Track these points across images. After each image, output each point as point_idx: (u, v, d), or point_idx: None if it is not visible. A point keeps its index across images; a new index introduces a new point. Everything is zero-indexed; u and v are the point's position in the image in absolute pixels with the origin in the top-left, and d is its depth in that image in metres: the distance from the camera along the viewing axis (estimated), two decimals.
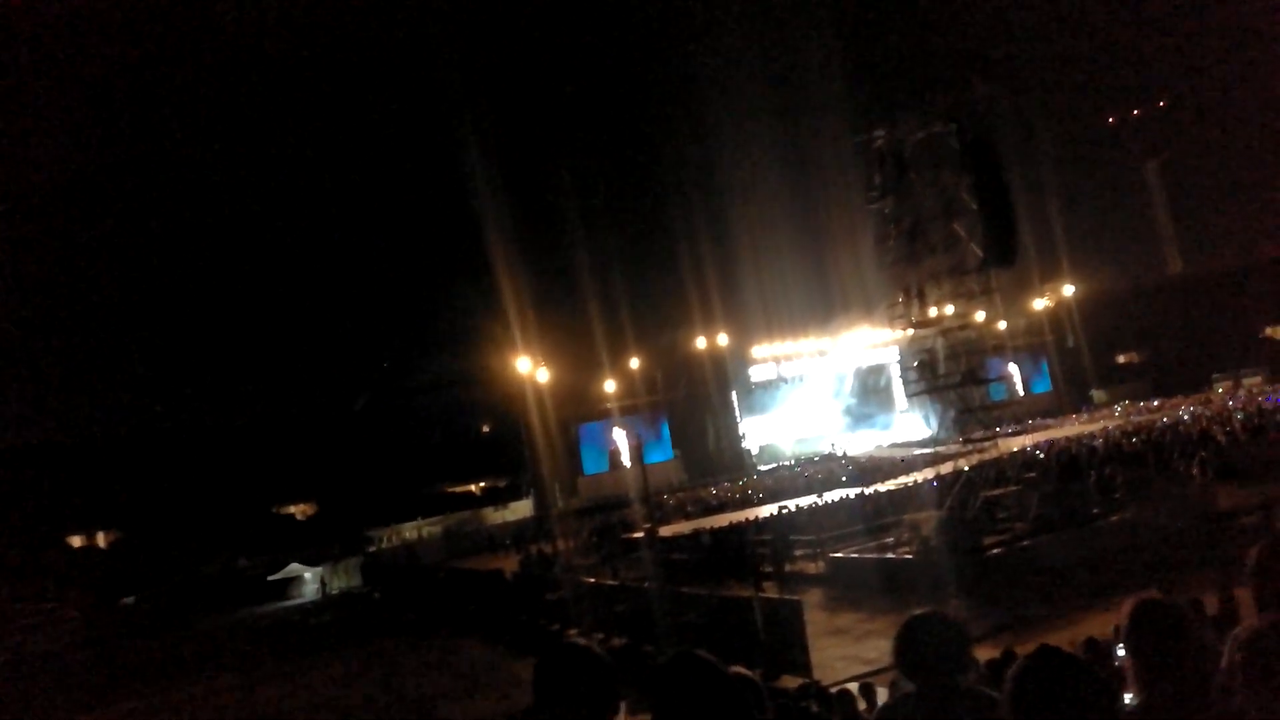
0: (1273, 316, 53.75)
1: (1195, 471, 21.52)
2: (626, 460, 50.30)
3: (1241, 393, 44.05)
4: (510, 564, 30.97)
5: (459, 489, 56.12)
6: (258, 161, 69.98)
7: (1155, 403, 47.09)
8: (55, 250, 62.33)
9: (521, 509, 51.10)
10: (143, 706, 22.32)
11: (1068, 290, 60.35)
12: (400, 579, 36.40)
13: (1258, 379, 49.07)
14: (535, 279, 60.19)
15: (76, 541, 51.03)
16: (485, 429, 62.36)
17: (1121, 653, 2.99)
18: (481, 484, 56.64)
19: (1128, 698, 2.79)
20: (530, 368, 48.45)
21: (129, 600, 42.69)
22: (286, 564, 43.74)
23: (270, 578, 43.20)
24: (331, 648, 25.95)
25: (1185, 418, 33.38)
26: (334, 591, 41.44)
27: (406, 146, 71.45)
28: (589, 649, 2.59)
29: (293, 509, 54.15)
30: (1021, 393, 58.56)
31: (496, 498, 54.14)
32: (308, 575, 43.09)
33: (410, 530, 49.58)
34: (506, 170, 67.88)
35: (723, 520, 28.88)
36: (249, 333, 65.34)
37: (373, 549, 47.00)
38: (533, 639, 19.34)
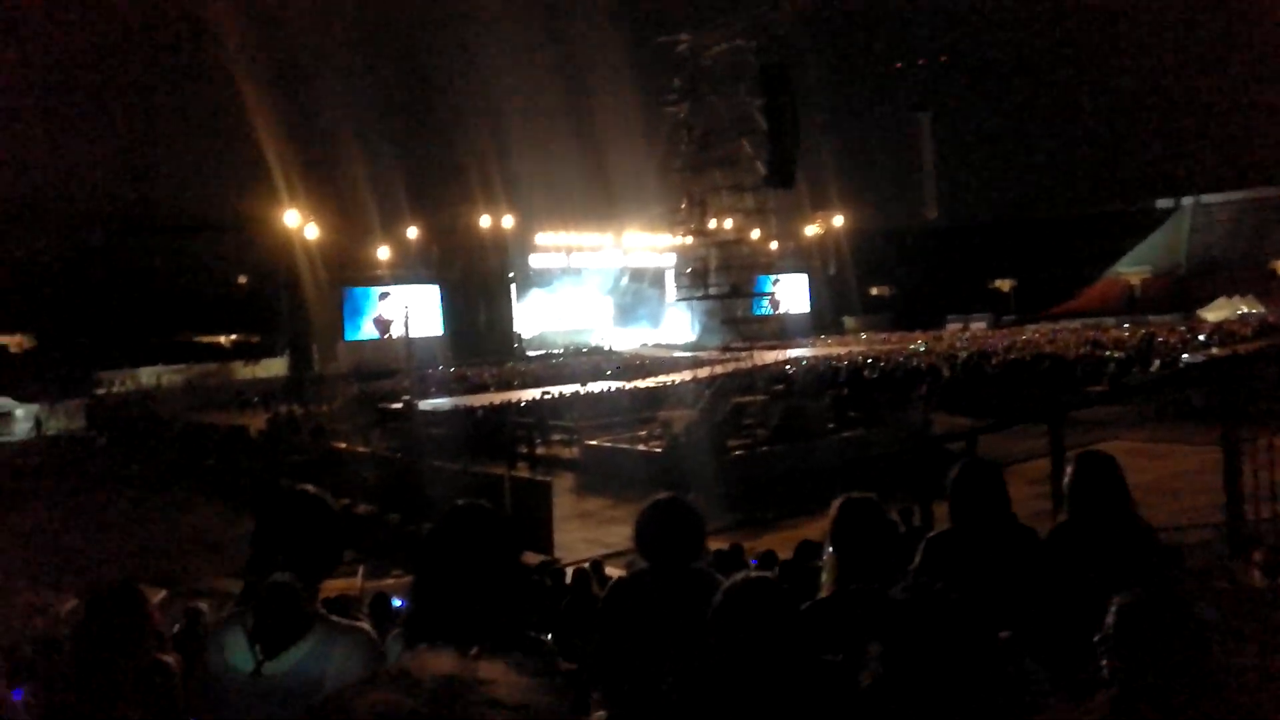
0: (1000, 269, 60.29)
1: (918, 399, 23.86)
2: (393, 331, 48.99)
3: (967, 334, 49.05)
4: (257, 423, 29.59)
5: (206, 339, 52.40)
6: None
7: (896, 335, 51.37)
8: None
9: (275, 367, 48.63)
10: None
11: (837, 221, 63.94)
12: (131, 427, 33.91)
13: (983, 324, 55.06)
14: (312, 130, 56.51)
15: None
16: (242, 280, 58.28)
17: (830, 550, 3.25)
18: (233, 337, 53.18)
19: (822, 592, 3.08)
20: (299, 221, 45.70)
21: None
22: None
23: None
24: (41, 493, 23.86)
25: (920, 350, 36.72)
26: (50, 433, 37.94)
27: None
28: (315, 495, 2.48)
29: (6, 339, 48.59)
30: (782, 311, 62.07)
31: (248, 353, 51.12)
32: (19, 413, 39.00)
33: (148, 376, 45.99)
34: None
35: (485, 399, 28.90)
36: None
37: (101, 391, 43.26)
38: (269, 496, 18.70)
